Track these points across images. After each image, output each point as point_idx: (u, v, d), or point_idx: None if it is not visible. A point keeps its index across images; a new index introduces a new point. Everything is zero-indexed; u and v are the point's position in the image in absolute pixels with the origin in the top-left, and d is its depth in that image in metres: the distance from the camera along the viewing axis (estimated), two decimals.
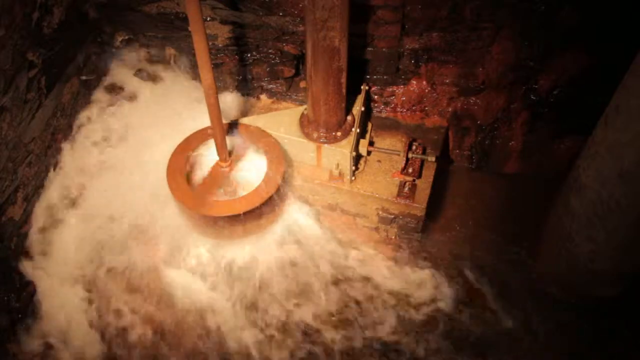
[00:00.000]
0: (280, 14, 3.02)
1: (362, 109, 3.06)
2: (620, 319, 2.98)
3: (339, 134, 3.00)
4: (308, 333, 3.02)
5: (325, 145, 3.01)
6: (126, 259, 3.14)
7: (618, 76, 2.31)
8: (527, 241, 3.22)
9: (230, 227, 2.97)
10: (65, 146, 3.32)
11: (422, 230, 3.21)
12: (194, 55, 2.70)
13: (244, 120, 3.19)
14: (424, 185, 3.05)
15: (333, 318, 3.06)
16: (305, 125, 3.07)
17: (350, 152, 2.96)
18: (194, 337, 2.99)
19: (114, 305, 3.05)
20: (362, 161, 3.16)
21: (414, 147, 3.02)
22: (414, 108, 3.29)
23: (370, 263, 3.22)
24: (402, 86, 3.24)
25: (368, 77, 3.22)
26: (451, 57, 3.06)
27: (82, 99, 3.46)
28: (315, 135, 3.02)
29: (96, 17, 3.38)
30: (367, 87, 3.14)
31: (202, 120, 3.02)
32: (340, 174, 3.10)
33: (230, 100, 3.41)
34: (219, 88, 3.29)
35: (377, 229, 3.27)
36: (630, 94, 2.23)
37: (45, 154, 3.17)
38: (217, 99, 2.71)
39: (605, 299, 2.95)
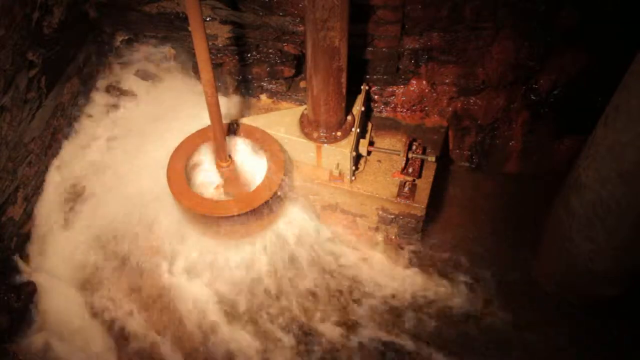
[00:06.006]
0: (280, 14, 3.02)
1: (362, 109, 3.06)
2: (620, 319, 2.98)
3: (339, 134, 3.00)
4: (308, 333, 3.02)
5: (325, 145, 3.01)
6: (126, 258, 3.14)
7: (618, 76, 2.31)
8: (527, 241, 3.22)
9: (230, 227, 2.97)
10: (66, 146, 3.32)
11: (422, 230, 3.21)
12: (194, 55, 2.70)
13: (244, 120, 3.19)
14: (424, 185, 3.05)
15: (333, 318, 3.06)
16: (305, 125, 3.07)
17: (350, 152, 2.96)
18: (193, 337, 2.99)
19: (114, 305, 3.05)
20: (362, 161, 3.16)
21: (414, 147, 3.02)
22: (414, 108, 3.29)
23: (370, 263, 3.22)
24: (402, 86, 3.24)
25: (368, 77, 3.22)
26: (451, 57, 3.06)
27: (82, 98, 3.46)
28: (315, 135, 3.02)
29: (96, 17, 3.38)
30: (367, 87, 3.14)
31: (202, 120, 3.02)
32: (340, 174, 3.10)
33: (230, 100, 3.41)
34: (219, 88, 3.29)
35: (377, 229, 3.27)
36: (630, 94, 2.23)
37: (45, 154, 3.17)
38: (217, 99, 2.71)
39: (605, 298, 2.95)
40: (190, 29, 2.45)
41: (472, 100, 3.23)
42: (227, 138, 2.98)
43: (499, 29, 2.92)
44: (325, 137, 3.01)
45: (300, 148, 3.09)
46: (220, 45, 3.22)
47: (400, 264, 3.22)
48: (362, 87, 3.11)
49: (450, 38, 2.99)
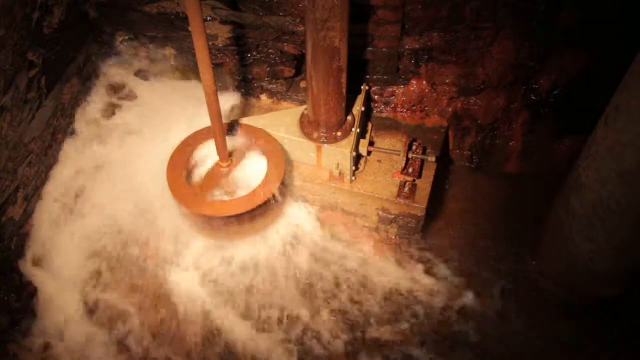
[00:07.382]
0: (280, 14, 3.02)
1: (362, 109, 3.06)
2: (620, 319, 2.98)
3: (339, 133, 3.00)
4: (308, 333, 3.02)
5: (325, 145, 3.01)
6: (126, 259, 3.14)
7: (618, 76, 2.32)
8: (527, 241, 3.22)
9: (230, 227, 2.96)
10: (66, 146, 3.33)
11: (421, 230, 3.21)
12: (194, 55, 2.70)
13: (244, 120, 3.19)
14: (424, 185, 3.05)
15: (333, 318, 3.06)
16: (305, 125, 3.07)
17: (350, 152, 2.96)
18: (193, 338, 2.99)
19: (114, 306, 3.05)
20: (362, 161, 3.16)
21: (414, 147, 3.03)
22: (414, 108, 3.29)
23: (370, 263, 3.22)
24: (402, 86, 3.24)
25: (368, 77, 3.22)
26: (451, 57, 3.06)
27: (82, 98, 3.46)
28: (315, 135, 3.02)
29: (96, 17, 3.38)
30: (367, 87, 3.14)
31: (202, 120, 3.02)
32: (340, 174, 3.10)
33: (230, 100, 3.41)
34: (219, 88, 3.29)
35: (377, 229, 3.27)
36: (630, 94, 2.23)
37: (45, 154, 3.18)
38: (217, 98, 2.71)
39: (606, 298, 2.95)
40: (190, 29, 2.45)
41: (472, 100, 3.23)
42: (227, 138, 2.98)
43: (499, 29, 2.92)
44: (325, 137, 3.01)
45: (300, 148, 3.10)
46: (220, 45, 3.22)
47: (400, 264, 3.22)
48: (362, 87, 3.11)
49: (450, 38, 2.99)
